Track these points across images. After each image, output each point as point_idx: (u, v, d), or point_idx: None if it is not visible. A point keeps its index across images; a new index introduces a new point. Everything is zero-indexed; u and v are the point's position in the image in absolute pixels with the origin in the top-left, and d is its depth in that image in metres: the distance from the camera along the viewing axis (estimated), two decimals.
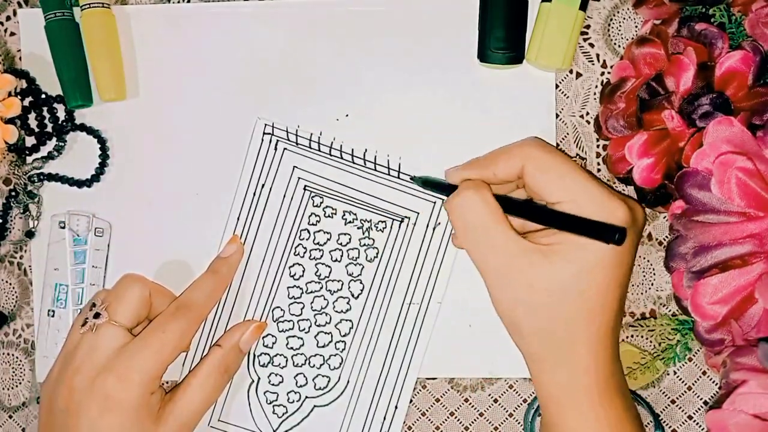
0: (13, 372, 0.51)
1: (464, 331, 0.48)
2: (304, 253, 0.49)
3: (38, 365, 0.49)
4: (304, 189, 0.48)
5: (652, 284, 0.48)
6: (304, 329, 0.49)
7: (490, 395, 0.49)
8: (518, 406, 0.49)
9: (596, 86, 0.48)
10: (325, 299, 0.49)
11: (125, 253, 0.49)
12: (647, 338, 0.48)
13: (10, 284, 0.50)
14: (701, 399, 0.48)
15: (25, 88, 0.49)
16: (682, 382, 0.48)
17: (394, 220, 0.48)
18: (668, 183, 0.43)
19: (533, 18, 0.46)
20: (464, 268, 0.48)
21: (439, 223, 0.48)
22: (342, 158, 0.48)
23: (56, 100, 0.49)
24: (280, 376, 0.49)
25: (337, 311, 0.49)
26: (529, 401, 0.49)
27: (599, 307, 0.41)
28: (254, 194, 0.48)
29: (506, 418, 0.49)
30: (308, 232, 0.49)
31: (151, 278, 0.48)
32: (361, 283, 0.48)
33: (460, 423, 0.49)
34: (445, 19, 0.48)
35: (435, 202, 0.48)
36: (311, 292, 0.49)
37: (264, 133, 0.48)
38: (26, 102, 0.49)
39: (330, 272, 0.49)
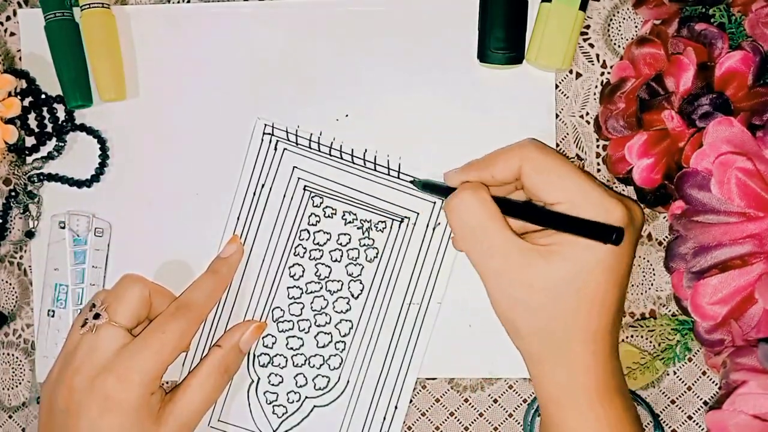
0: (13, 372, 0.51)
1: (464, 331, 0.48)
2: (304, 253, 0.49)
3: (38, 365, 0.49)
4: (304, 189, 0.48)
5: (652, 284, 0.48)
6: (303, 329, 0.49)
7: (490, 395, 0.49)
8: (518, 406, 0.49)
9: (596, 86, 0.48)
10: (324, 299, 0.49)
11: (125, 253, 0.49)
12: (647, 338, 0.48)
13: (10, 284, 0.50)
14: (701, 399, 0.48)
15: (25, 88, 0.49)
16: (682, 382, 0.48)
17: (394, 220, 0.48)
18: (668, 183, 0.43)
19: (533, 18, 0.46)
20: (464, 268, 0.48)
21: (439, 223, 0.48)
22: (342, 158, 0.48)
23: (56, 100, 0.49)
24: (280, 376, 0.49)
25: (336, 311, 0.49)
26: (529, 401, 0.49)
27: (597, 307, 0.41)
28: (254, 194, 0.48)
29: (506, 418, 0.49)
30: (308, 232, 0.49)
31: (151, 278, 0.48)
32: (361, 283, 0.48)
33: (460, 423, 0.49)
34: (445, 19, 0.48)
35: (435, 203, 0.48)
36: (311, 292, 0.49)
37: (264, 133, 0.48)
38: (26, 102, 0.49)
39: (330, 272, 0.49)
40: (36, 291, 0.50)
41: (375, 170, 0.48)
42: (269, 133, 0.48)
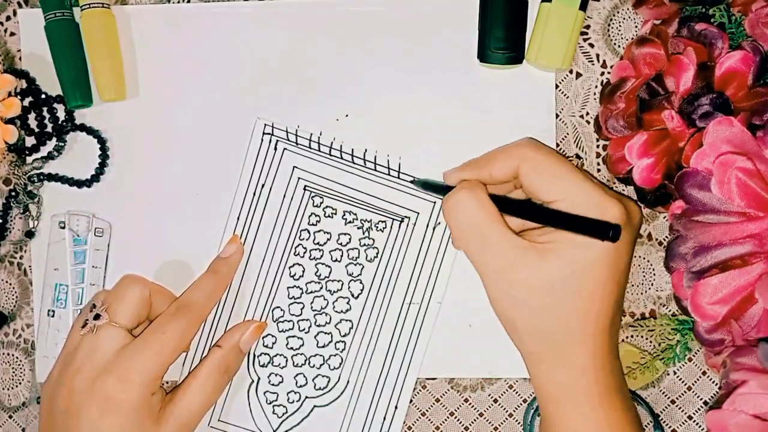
0: (13, 372, 0.51)
1: (464, 331, 0.48)
2: (304, 253, 0.49)
3: (38, 365, 0.49)
4: (304, 189, 0.48)
5: (652, 284, 0.48)
6: (304, 329, 0.49)
7: (490, 395, 0.49)
8: (518, 406, 0.49)
9: (596, 86, 0.48)
10: (325, 299, 0.49)
11: (125, 253, 0.49)
12: (647, 338, 0.48)
13: (10, 284, 0.50)
14: (701, 399, 0.48)
15: (25, 88, 0.49)
16: (682, 382, 0.48)
17: (394, 220, 0.48)
18: (668, 183, 0.43)
19: (533, 18, 0.46)
20: (464, 268, 0.48)
21: (439, 223, 0.48)
22: (342, 158, 0.48)
23: (56, 100, 0.49)
24: (280, 376, 0.49)
25: (337, 311, 0.49)
26: (529, 401, 0.49)
27: (596, 306, 0.41)
28: (254, 194, 0.48)
29: (506, 418, 0.49)
30: (308, 232, 0.49)
31: (151, 278, 0.48)
32: (361, 283, 0.48)
33: (460, 423, 0.49)
34: (445, 19, 0.48)
35: (435, 202, 0.48)
36: (311, 292, 0.49)
37: (264, 133, 0.48)
38: (26, 102, 0.49)
39: (330, 272, 0.49)
40: (36, 291, 0.50)
41: (375, 170, 0.48)
42: (269, 133, 0.48)
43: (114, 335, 0.43)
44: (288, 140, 0.48)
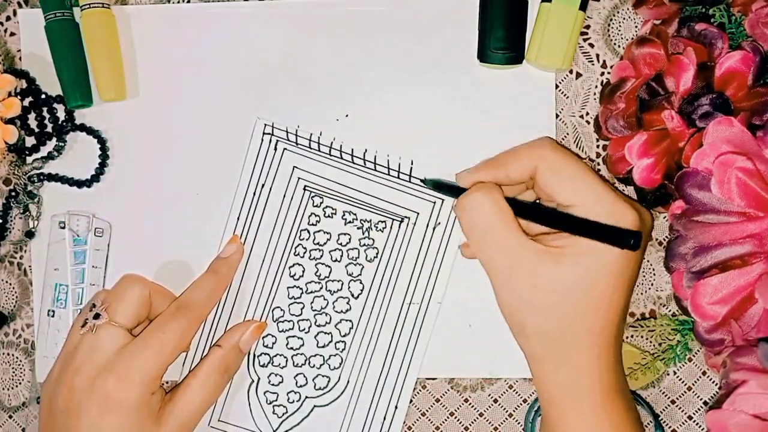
0: (13, 372, 0.51)
1: (464, 331, 0.48)
2: (304, 253, 0.49)
3: (38, 365, 0.49)
4: (304, 189, 0.48)
5: (652, 284, 0.48)
6: (304, 329, 0.49)
7: (490, 395, 0.49)
8: (518, 407, 0.49)
9: (596, 86, 0.48)
10: (325, 299, 0.49)
11: (125, 253, 0.49)
12: (647, 338, 0.48)
13: (10, 284, 0.50)
14: (701, 399, 0.48)
15: (25, 88, 0.49)
16: (682, 382, 0.48)
17: (394, 220, 0.48)
18: (668, 183, 0.43)
19: (533, 18, 0.46)
20: (464, 268, 0.48)
21: (439, 223, 0.48)
22: (342, 158, 0.48)
23: (56, 100, 0.49)
24: (280, 376, 0.49)
25: (337, 311, 0.49)
26: (530, 401, 0.49)
27: (604, 310, 0.41)
28: (254, 194, 0.48)
29: (506, 419, 0.49)
30: (308, 232, 0.49)
31: (151, 278, 0.48)
32: (361, 283, 0.48)
33: (460, 423, 0.49)
34: (445, 19, 0.48)
35: (435, 202, 0.48)
36: (311, 292, 0.49)
37: (264, 133, 0.48)
38: (26, 102, 0.49)
39: (330, 272, 0.49)
40: (36, 291, 0.50)
41: (375, 170, 0.48)
42: (269, 133, 0.48)
43: (114, 335, 0.43)
44: (288, 140, 0.48)
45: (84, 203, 0.49)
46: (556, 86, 0.48)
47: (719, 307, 0.39)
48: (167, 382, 0.49)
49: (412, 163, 0.48)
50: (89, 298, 0.48)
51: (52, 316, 0.49)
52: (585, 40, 0.48)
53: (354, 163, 0.48)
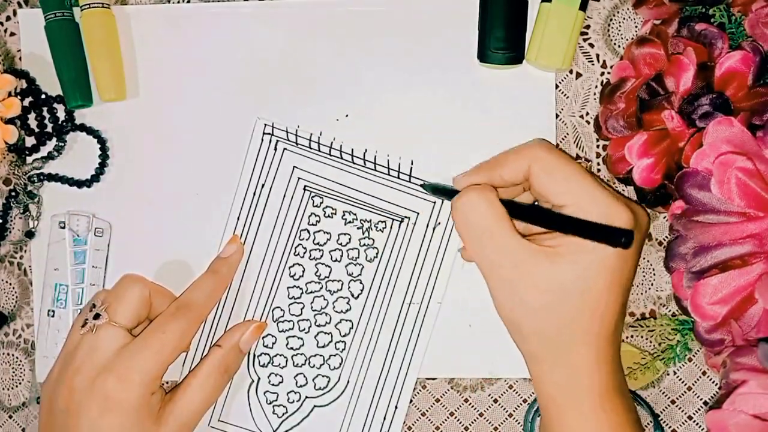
0: (13, 372, 0.51)
1: (464, 331, 0.48)
2: (304, 253, 0.49)
3: (38, 365, 0.49)
4: (304, 189, 0.48)
5: (652, 284, 0.48)
6: (304, 329, 0.49)
7: (490, 395, 0.49)
8: (518, 407, 0.49)
9: (596, 86, 0.48)
10: (325, 299, 0.49)
11: (125, 253, 0.49)
12: (647, 338, 0.48)
13: (10, 284, 0.50)
14: (701, 399, 0.48)
15: (25, 88, 0.49)
16: (682, 382, 0.48)
17: (394, 220, 0.48)
18: (668, 183, 0.43)
19: (533, 18, 0.46)
20: (464, 268, 0.48)
21: (439, 223, 0.48)
22: (342, 158, 0.48)
23: (56, 100, 0.49)
24: (280, 376, 0.49)
25: (337, 311, 0.49)
26: (529, 401, 0.49)
27: (601, 310, 0.41)
28: (254, 194, 0.48)
29: (506, 418, 0.49)
30: (308, 232, 0.49)
31: (151, 278, 0.48)
32: (361, 283, 0.48)
33: (460, 423, 0.49)
34: (445, 19, 0.48)
35: (435, 202, 0.48)
36: (311, 292, 0.49)
37: (264, 133, 0.48)
38: (26, 102, 0.49)
39: (330, 272, 0.49)
40: (36, 291, 0.50)
41: (375, 170, 0.48)
42: (269, 133, 0.48)
43: (114, 335, 0.43)
44: (288, 140, 0.48)
45: (84, 203, 0.49)
46: (556, 86, 0.48)
47: (719, 307, 0.39)
48: (167, 382, 0.49)
49: (412, 163, 0.48)
50: (89, 298, 0.48)
51: (52, 316, 0.49)
52: (585, 40, 0.48)
53: (354, 163, 0.48)
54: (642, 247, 0.43)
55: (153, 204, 0.49)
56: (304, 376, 0.49)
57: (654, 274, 0.48)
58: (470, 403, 0.49)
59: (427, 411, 0.49)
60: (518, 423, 0.49)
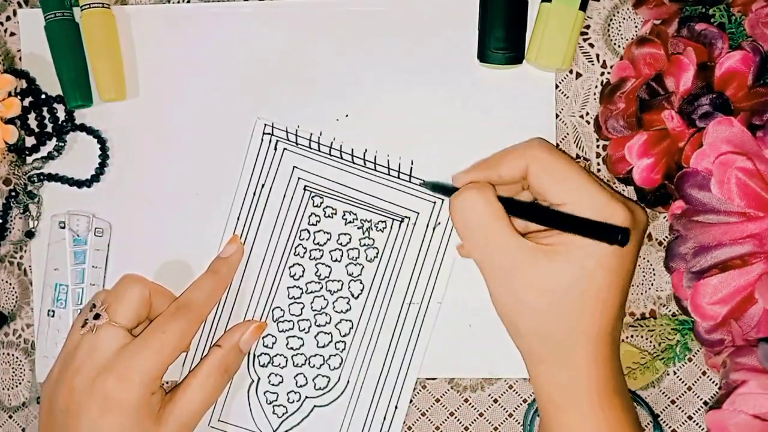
0: (13, 372, 0.51)
1: (464, 331, 0.48)
2: (304, 253, 0.49)
3: (38, 365, 0.49)
4: (304, 189, 0.48)
5: (652, 284, 0.48)
6: (304, 329, 0.49)
7: (490, 395, 0.49)
8: (518, 407, 0.49)
9: (596, 86, 0.48)
10: (325, 299, 0.49)
11: (125, 253, 0.49)
12: (647, 338, 0.48)
13: (10, 284, 0.50)
14: (701, 399, 0.48)
15: (25, 88, 0.49)
16: (682, 382, 0.48)
17: (394, 220, 0.48)
18: (668, 183, 0.43)
19: (533, 18, 0.46)
20: (464, 268, 0.48)
21: (439, 223, 0.48)
22: (342, 158, 0.48)
23: (56, 100, 0.49)
24: (280, 376, 0.49)
25: (337, 311, 0.49)
26: (529, 401, 0.49)
27: (599, 309, 0.41)
28: (254, 194, 0.48)
29: (506, 419, 0.49)
30: (308, 232, 0.49)
31: (151, 278, 0.48)
32: (361, 283, 0.48)
33: (460, 423, 0.49)
34: (445, 19, 0.48)
35: (435, 202, 0.48)
36: (311, 292, 0.49)
37: (264, 133, 0.48)
38: (26, 102, 0.49)
39: (330, 272, 0.49)
40: (36, 291, 0.50)
41: (375, 170, 0.48)
42: (269, 133, 0.48)
43: (114, 335, 0.43)
44: (288, 140, 0.48)
45: (84, 203, 0.49)
46: (556, 86, 0.48)
47: (719, 307, 0.39)
48: (167, 382, 0.49)
49: (412, 163, 0.48)
50: (89, 298, 0.48)
51: (52, 316, 0.49)
52: (585, 40, 0.48)
53: (354, 163, 0.48)
54: (640, 247, 0.43)
55: (153, 204, 0.49)
56: (304, 376, 0.49)
57: (654, 274, 0.48)
58: (470, 403, 0.49)
59: (427, 411, 0.49)
60: (518, 423, 0.49)
